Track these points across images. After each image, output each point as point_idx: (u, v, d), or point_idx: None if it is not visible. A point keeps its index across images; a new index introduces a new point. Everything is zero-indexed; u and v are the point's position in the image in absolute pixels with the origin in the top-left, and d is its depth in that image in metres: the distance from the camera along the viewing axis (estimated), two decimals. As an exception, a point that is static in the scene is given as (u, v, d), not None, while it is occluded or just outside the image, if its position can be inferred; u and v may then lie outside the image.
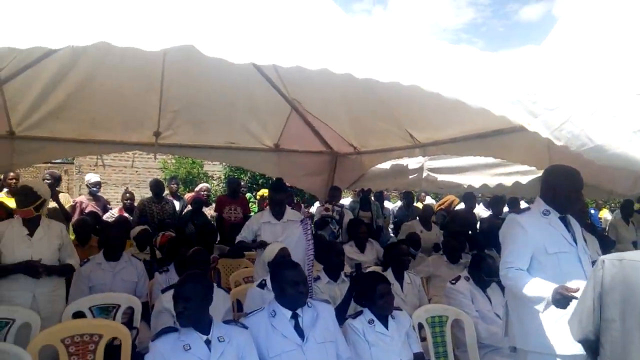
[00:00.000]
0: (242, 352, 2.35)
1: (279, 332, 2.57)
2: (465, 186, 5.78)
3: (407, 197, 7.54)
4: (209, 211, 6.80)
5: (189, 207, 6.72)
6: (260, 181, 9.63)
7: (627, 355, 1.71)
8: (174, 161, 11.37)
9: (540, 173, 4.80)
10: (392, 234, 7.31)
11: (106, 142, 5.61)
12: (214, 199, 8.20)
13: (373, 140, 5.51)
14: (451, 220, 6.61)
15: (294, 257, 3.52)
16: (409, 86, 2.16)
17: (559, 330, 2.54)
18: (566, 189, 2.69)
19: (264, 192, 8.30)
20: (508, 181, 5.28)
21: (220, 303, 3.25)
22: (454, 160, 5.61)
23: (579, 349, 2.49)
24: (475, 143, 4.02)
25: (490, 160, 4.90)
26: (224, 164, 11.22)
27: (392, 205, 9.17)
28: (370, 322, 2.94)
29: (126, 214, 6.16)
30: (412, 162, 5.90)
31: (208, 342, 2.30)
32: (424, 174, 5.90)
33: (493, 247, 5.49)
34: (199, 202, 6.39)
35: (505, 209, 7.13)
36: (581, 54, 4.13)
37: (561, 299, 2.31)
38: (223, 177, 11.81)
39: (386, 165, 5.88)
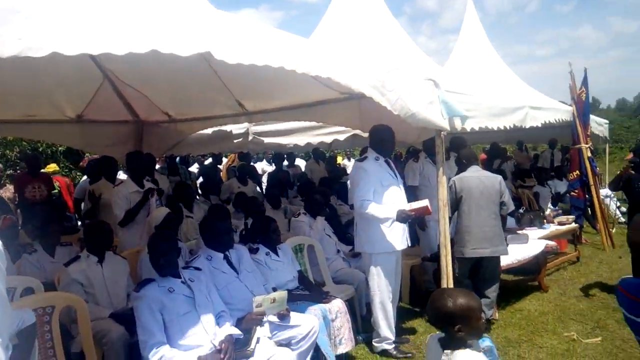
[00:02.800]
0: (207, 288, 2.94)
1: (219, 270, 3.21)
2: (291, 145, 6.88)
3: (215, 158, 8.26)
4: (4, 193, 6.07)
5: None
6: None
7: (470, 216, 4.36)
8: None
9: (353, 132, 6.31)
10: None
11: None
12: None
13: (197, 108, 5.97)
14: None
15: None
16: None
17: (391, 234, 3.94)
18: (388, 140, 4.04)
19: (53, 167, 7.65)
20: (328, 139, 6.66)
21: (121, 270, 3.59)
22: (277, 125, 6.60)
23: (402, 246, 3.97)
24: (301, 111, 5.11)
25: (312, 123, 6.10)
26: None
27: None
28: (267, 254, 3.81)
29: None
30: (236, 128, 6.62)
31: (184, 283, 2.81)
32: (250, 138, 6.72)
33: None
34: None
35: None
36: (376, 46, 5.62)
37: (404, 217, 3.70)
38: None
39: (208, 131, 6.43)
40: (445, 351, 1.88)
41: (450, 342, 1.90)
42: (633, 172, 4.99)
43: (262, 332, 3.05)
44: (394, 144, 4.16)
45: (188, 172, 8.28)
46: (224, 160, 10.56)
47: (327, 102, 4.82)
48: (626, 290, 1.65)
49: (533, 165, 11.63)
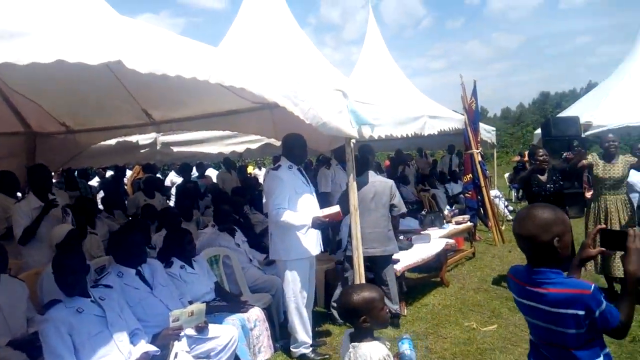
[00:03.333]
0: (119, 306, 2.81)
1: (132, 286, 3.09)
2: (202, 155, 6.69)
3: (118, 171, 7.82)
4: None
5: None
6: None
7: (363, 219, 4.20)
8: None
9: (265, 141, 6.31)
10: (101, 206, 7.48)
11: None
12: None
13: (98, 118, 5.64)
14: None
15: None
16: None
17: (306, 240, 4.05)
18: (301, 148, 4.14)
19: None
20: (241, 148, 6.58)
21: (19, 293, 3.31)
22: (188, 134, 6.40)
23: (316, 251, 4.08)
24: (213, 120, 5.04)
25: (224, 132, 6.01)
26: None
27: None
28: (182, 267, 3.72)
29: None
30: (143, 138, 6.32)
31: (94, 302, 2.66)
32: (158, 147, 6.44)
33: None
34: None
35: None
36: (286, 55, 5.71)
37: (319, 223, 3.82)
38: None
39: (111, 142, 6.08)
40: (353, 344, 2.02)
41: (358, 335, 2.04)
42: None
43: (180, 346, 2.98)
44: (306, 152, 4.27)
45: (88, 186, 7.78)
46: (128, 172, 10.05)
47: (240, 112, 4.83)
48: (514, 276, 1.88)
49: (432, 170, 12.49)
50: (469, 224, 7.54)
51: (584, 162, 5.10)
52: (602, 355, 1.71)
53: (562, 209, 5.66)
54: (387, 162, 15.27)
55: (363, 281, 4.44)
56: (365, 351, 1.95)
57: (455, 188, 10.53)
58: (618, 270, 4.78)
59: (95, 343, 2.59)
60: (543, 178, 5.22)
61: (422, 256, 5.45)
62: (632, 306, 1.66)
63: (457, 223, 7.38)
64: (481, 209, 8.56)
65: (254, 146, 6.67)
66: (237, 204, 6.43)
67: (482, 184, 8.20)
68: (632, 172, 5.35)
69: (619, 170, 4.97)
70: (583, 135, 10.45)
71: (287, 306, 4.10)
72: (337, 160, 5.64)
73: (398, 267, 5.05)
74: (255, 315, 3.81)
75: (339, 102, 4.02)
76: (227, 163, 9.10)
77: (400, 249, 5.64)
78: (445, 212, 8.55)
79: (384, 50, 10.62)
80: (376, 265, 4.79)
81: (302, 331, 4.03)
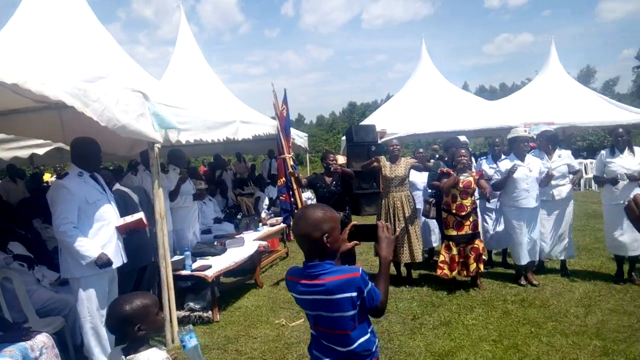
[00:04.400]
0: None
1: None
2: None
3: None
4: None
5: None
6: None
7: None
8: None
9: (54, 145, 5.52)
10: None
11: None
12: None
13: None
14: None
15: None
16: None
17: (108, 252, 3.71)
18: (92, 153, 3.75)
19: None
20: (25, 154, 5.58)
21: None
22: None
23: (117, 264, 3.81)
24: (-15, 121, 4.29)
25: (2, 136, 5.06)
26: None
27: None
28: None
29: None
30: None
31: None
32: None
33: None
34: None
35: None
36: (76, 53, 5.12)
37: (103, 262, 3.54)
38: None
39: None
40: (128, 357, 1.91)
41: (133, 346, 1.93)
42: (315, 174, 6.08)
43: None
44: (100, 157, 3.86)
45: None
46: None
47: (20, 111, 4.20)
48: (292, 276, 1.98)
49: (250, 174, 12.71)
50: (282, 225, 7.86)
51: (375, 164, 5.79)
52: (369, 332, 1.92)
53: (342, 207, 6.16)
54: (203, 168, 15.01)
55: (172, 295, 4.31)
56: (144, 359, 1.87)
57: (272, 191, 10.89)
58: (405, 257, 5.62)
59: None
60: (328, 180, 5.77)
61: (235, 260, 5.48)
62: (387, 286, 1.92)
63: (272, 225, 7.64)
64: (295, 210, 8.99)
65: (40, 151, 5.80)
66: (23, 217, 5.62)
67: (294, 186, 8.62)
68: (413, 172, 6.24)
69: (402, 169, 5.75)
70: (380, 142, 11.84)
71: (82, 327, 3.71)
72: (144, 166, 5.32)
73: (210, 272, 4.98)
74: (42, 342, 3.35)
75: (139, 104, 3.81)
76: (11, 171, 7.82)
77: (214, 254, 5.62)
78: (263, 215, 8.77)
79: (197, 53, 10.42)
80: (149, 273, 4.64)
81: (99, 353, 3.68)
